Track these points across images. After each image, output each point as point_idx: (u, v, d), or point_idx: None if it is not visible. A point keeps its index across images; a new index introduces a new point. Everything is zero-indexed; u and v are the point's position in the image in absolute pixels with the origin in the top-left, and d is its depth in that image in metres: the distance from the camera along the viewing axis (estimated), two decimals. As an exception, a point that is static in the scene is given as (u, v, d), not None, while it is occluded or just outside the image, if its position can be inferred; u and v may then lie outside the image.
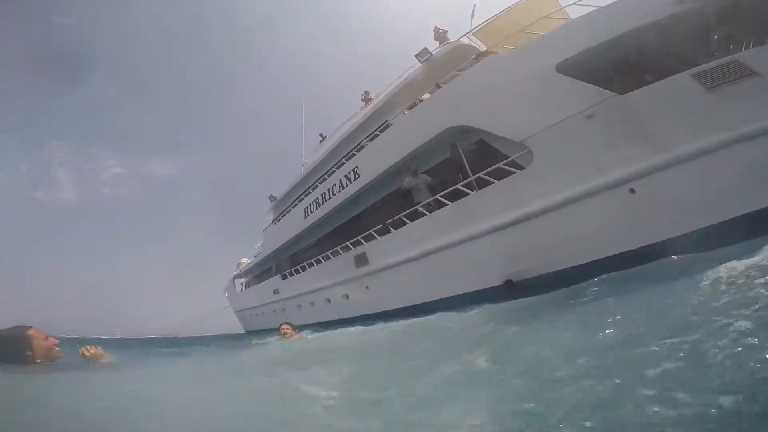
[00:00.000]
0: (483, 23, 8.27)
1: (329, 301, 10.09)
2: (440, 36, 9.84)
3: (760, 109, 4.53)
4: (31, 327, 2.97)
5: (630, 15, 5.50)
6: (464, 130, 6.94)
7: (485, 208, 6.33)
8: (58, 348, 2.98)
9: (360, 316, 8.79)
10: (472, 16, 9.14)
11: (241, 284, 17.68)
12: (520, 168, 6.00)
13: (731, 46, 6.45)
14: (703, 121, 4.83)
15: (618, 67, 6.15)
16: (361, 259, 8.83)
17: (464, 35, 8.77)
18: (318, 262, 10.68)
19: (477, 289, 6.29)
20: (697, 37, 5.83)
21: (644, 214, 4.87)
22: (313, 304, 10.86)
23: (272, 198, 14.84)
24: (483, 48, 8.57)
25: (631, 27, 5.40)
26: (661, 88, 5.12)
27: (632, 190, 4.95)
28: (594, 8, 5.96)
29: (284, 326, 6.07)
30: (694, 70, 4.95)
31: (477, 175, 6.55)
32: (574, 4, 6.91)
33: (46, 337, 2.95)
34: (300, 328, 9.47)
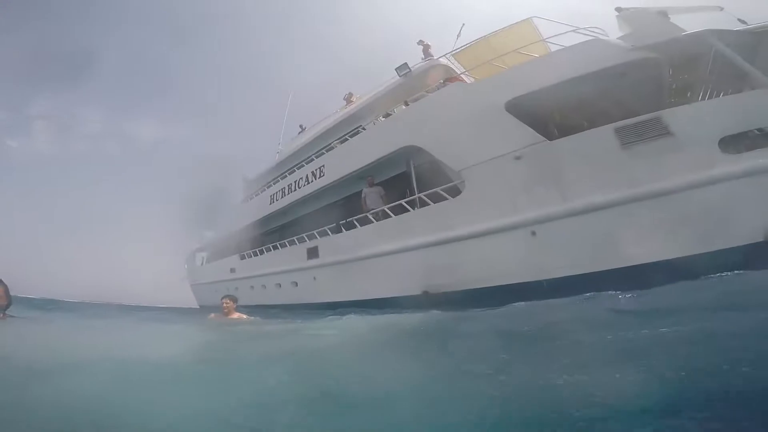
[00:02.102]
0: (461, 47, 8.74)
1: (279, 286, 10.68)
2: (425, 50, 10.27)
3: (658, 171, 5.04)
4: None
5: (583, 60, 5.82)
6: (418, 150, 7.57)
7: (419, 226, 7.04)
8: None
9: (304, 303, 9.42)
10: (458, 36, 9.59)
11: (202, 258, 18.03)
12: (459, 194, 6.68)
13: (689, 94, 7.15)
14: (607, 176, 5.35)
15: (564, 109, 6.70)
16: (313, 252, 9.45)
17: (443, 55, 9.31)
18: (275, 248, 11.24)
19: (403, 294, 7.00)
20: (651, 85, 6.25)
21: (539, 255, 5.60)
22: (264, 286, 11.43)
23: (244, 179, 15.23)
24: (460, 69, 9.12)
25: (582, 72, 5.73)
26: (583, 139, 5.66)
27: (533, 233, 5.68)
28: (591, 38, 6.18)
29: (225, 300, 5.92)
30: (618, 124, 5.42)
31: (418, 195, 7.24)
32: (549, 38, 7.13)
33: None
34: (250, 308, 10.04)
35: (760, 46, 5.83)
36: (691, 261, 4.60)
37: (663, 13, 5.97)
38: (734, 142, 5.39)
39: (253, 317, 6.08)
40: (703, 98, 7.15)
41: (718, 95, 6.92)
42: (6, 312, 3.03)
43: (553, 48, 6.89)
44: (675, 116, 5.20)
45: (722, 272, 4.39)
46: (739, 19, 6.02)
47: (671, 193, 4.99)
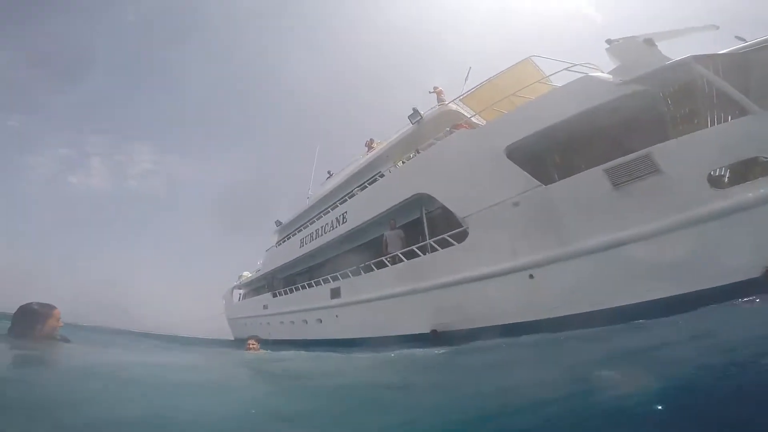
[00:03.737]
0: (468, 92, 9.05)
1: (306, 323, 11.36)
2: (438, 96, 10.72)
3: (649, 211, 5.02)
4: (56, 308, 3.30)
5: (574, 99, 5.85)
6: (429, 197, 8.13)
7: (428, 270, 7.53)
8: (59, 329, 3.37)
9: (327, 339, 9.99)
10: (466, 79, 9.96)
11: (239, 295, 19.24)
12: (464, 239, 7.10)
13: (696, 122, 6.54)
14: (600, 218, 5.41)
15: (563, 151, 6.82)
16: (336, 293, 10.13)
17: (452, 101, 9.79)
18: (303, 287, 12.04)
19: (414, 332, 7.43)
20: (649, 118, 6.04)
21: (537, 296, 5.86)
22: (293, 323, 12.16)
23: (278, 223, 16.50)
24: (470, 113, 9.42)
25: (574, 111, 5.77)
26: (575, 182, 5.73)
27: (531, 276, 5.96)
28: (581, 74, 6.19)
29: (251, 341, 6.69)
30: (607, 164, 5.37)
31: (427, 241, 7.81)
32: (543, 80, 7.49)
33: (59, 319, 3.31)
34: (278, 342, 10.77)
35: (752, 66, 5.48)
36: (686, 299, 4.58)
37: (649, 42, 5.77)
38: (723, 176, 5.42)
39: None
40: (712, 125, 6.56)
41: (726, 120, 6.34)
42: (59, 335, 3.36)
43: (559, 85, 6.86)
44: (663, 152, 5.08)
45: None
46: (737, 37, 5.65)
47: (663, 233, 4.96)
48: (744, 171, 5.00)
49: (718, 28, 6.30)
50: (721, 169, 5.02)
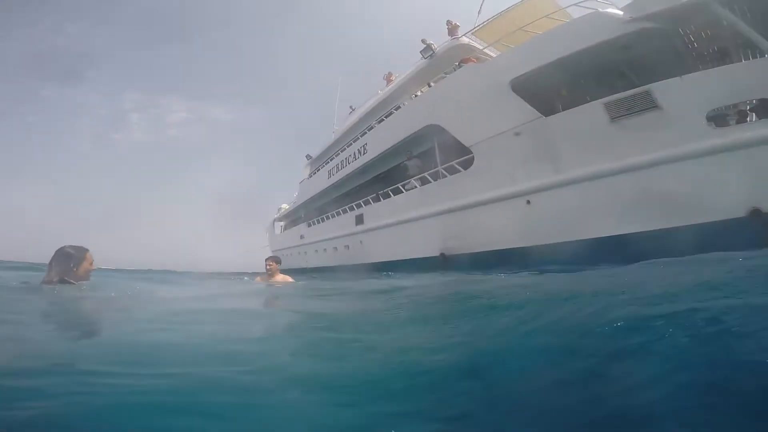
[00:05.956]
0: (481, 24, 8.85)
1: (336, 249, 12.65)
2: (452, 30, 10.63)
3: (644, 144, 5.17)
4: (88, 251, 3.34)
5: (581, 35, 5.86)
6: (440, 128, 8.41)
7: (437, 195, 8.11)
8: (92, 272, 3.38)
9: (354, 264, 11.20)
10: (479, 13, 9.76)
11: (280, 227, 21.00)
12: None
13: (727, 58, 6.50)
14: (596, 150, 5.61)
15: (570, 85, 6.78)
16: (359, 219, 11.09)
17: (464, 34, 9.61)
18: (332, 216, 13.14)
19: (425, 256, 8.28)
20: (667, 56, 6.04)
21: (533, 222, 6.29)
22: (325, 250, 13.53)
23: (308, 156, 17.33)
24: (483, 45, 9.23)
25: (581, 46, 5.75)
26: (574, 115, 5.90)
27: (528, 202, 6.39)
28: (592, 10, 6.16)
29: (269, 261, 5.82)
30: (607, 99, 5.51)
31: (438, 168, 8.25)
32: (573, 5, 6.93)
33: (92, 262, 3.36)
34: (313, 270, 12.14)
35: None
36: (671, 234, 4.78)
37: None
38: (723, 115, 5.30)
39: (293, 279, 6.00)
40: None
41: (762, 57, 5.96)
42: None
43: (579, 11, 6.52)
44: (664, 89, 5.13)
45: (702, 251, 3.93)
46: None
47: (655, 165, 5.13)
48: (749, 111, 4.99)
49: None
50: (724, 108, 4.97)
